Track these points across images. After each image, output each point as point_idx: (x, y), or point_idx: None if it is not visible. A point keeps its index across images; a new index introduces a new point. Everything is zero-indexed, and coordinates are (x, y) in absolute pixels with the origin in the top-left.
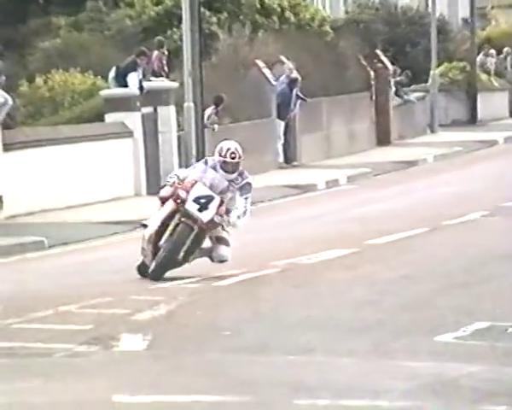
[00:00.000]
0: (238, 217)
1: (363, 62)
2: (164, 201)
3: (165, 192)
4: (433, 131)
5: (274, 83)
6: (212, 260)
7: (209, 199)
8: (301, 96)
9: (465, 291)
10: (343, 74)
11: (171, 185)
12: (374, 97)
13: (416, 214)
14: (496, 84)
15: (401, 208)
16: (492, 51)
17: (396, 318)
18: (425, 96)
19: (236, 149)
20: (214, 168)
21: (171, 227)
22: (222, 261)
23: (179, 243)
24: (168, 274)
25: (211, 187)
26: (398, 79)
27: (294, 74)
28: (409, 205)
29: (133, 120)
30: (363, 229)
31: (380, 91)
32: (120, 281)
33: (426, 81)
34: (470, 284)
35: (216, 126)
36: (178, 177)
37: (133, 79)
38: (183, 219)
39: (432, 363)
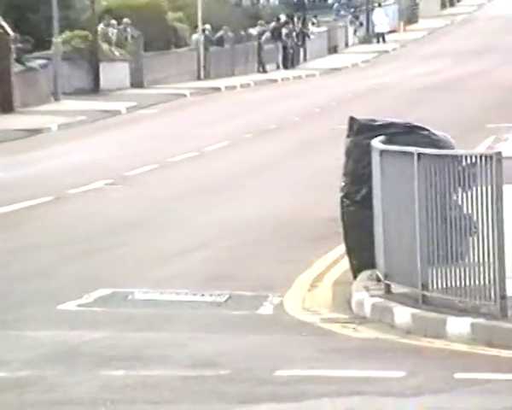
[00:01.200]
0: None
1: None
2: None
3: None
4: (56, 100)
5: None
6: None
7: None
8: None
9: (89, 259)
10: None
11: None
12: None
13: (40, 183)
14: (117, 53)
15: (25, 177)
16: (114, 22)
17: (20, 288)
18: (48, 63)
19: None
20: None
21: None
22: None
23: None
24: None
25: None
26: (19, 45)
27: None
28: (33, 174)
29: None
30: None
31: (0, 58)
32: None
33: (48, 49)
34: (94, 252)
35: None
36: None
37: None
38: None
39: (55, 331)
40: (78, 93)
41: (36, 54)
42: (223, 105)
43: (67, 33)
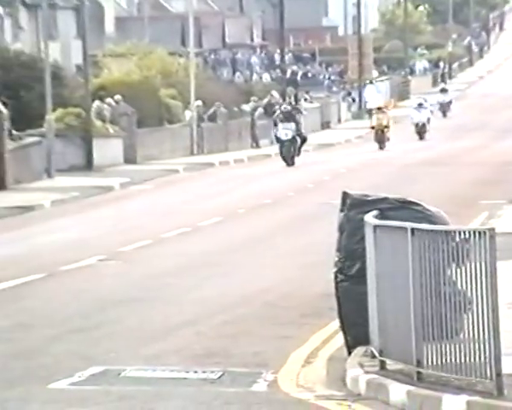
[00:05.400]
0: None
1: None
2: None
3: None
4: (50, 176)
5: None
6: None
7: None
8: None
9: (81, 336)
10: None
11: None
12: None
13: (32, 260)
14: (111, 130)
15: (17, 254)
16: (108, 99)
17: (9, 366)
18: (41, 140)
19: None
20: None
21: None
22: None
23: None
24: None
25: None
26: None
27: None
28: (25, 251)
29: None
30: None
31: None
32: None
33: (41, 126)
34: (86, 329)
35: None
36: None
37: None
38: None
39: None
40: (72, 170)
41: (29, 131)
42: (216, 180)
43: (60, 111)
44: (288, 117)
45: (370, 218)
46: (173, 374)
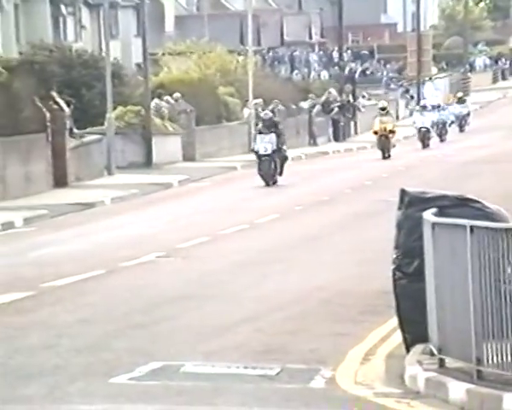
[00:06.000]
0: None
1: (39, 104)
2: None
3: None
4: (110, 174)
5: None
6: None
7: None
8: None
9: (141, 332)
10: (18, 115)
11: None
12: (50, 139)
13: (93, 256)
14: (170, 128)
15: (78, 250)
16: (167, 97)
17: (72, 361)
18: (101, 138)
19: None
20: None
21: None
22: None
23: None
24: None
25: None
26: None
27: None
28: (86, 247)
29: None
30: (41, 272)
31: (56, 133)
32: None
33: (102, 124)
34: (146, 325)
35: None
36: None
37: None
38: None
39: (107, 405)
40: (131, 167)
41: (90, 129)
42: None
43: (121, 109)
44: (269, 126)
45: (429, 215)
46: (232, 370)
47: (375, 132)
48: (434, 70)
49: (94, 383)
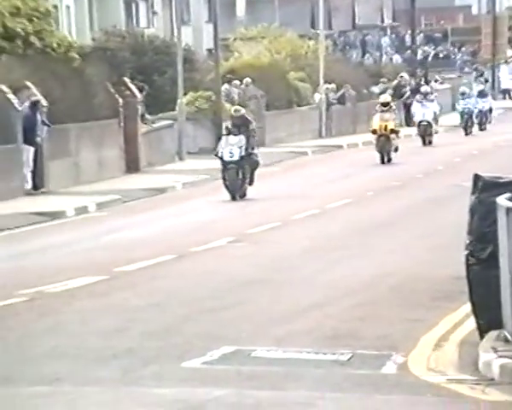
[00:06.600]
0: None
1: (111, 90)
2: None
3: None
4: (181, 159)
5: (19, 108)
6: None
7: None
8: (46, 121)
9: (212, 316)
10: (91, 101)
11: None
12: (122, 124)
13: (164, 241)
14: None
15: (150, 235)
16: (236, 82)
17: (145, 345)
18: (172, 124)
19: None
20: None
21: None
22: None
23: None
24: None
25: None
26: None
27: (35, 98)
28: (158, 232)
29: None
30: (113, 256)
31: (128, 119)
32: None
33: (173, 109)
34: (217, 310)
35: None
36: None
37: None
38: None
39: (180, 389)
40: (202, 152)
41: (161, 115)
42: (345, 163)
43: (191, 94)
44: (239, 126)
45: (503, 200)
46: (303, 355)
47: (374, 131)
48: (510, 53)
49: (167, 366)
